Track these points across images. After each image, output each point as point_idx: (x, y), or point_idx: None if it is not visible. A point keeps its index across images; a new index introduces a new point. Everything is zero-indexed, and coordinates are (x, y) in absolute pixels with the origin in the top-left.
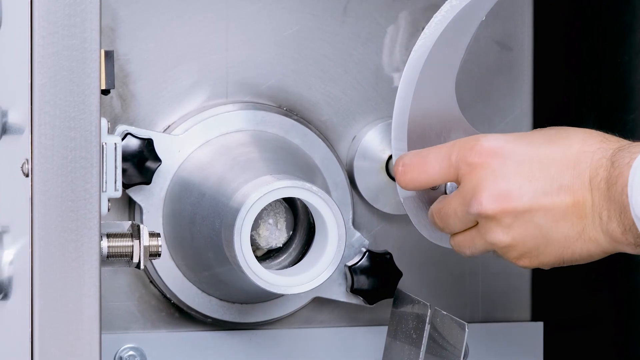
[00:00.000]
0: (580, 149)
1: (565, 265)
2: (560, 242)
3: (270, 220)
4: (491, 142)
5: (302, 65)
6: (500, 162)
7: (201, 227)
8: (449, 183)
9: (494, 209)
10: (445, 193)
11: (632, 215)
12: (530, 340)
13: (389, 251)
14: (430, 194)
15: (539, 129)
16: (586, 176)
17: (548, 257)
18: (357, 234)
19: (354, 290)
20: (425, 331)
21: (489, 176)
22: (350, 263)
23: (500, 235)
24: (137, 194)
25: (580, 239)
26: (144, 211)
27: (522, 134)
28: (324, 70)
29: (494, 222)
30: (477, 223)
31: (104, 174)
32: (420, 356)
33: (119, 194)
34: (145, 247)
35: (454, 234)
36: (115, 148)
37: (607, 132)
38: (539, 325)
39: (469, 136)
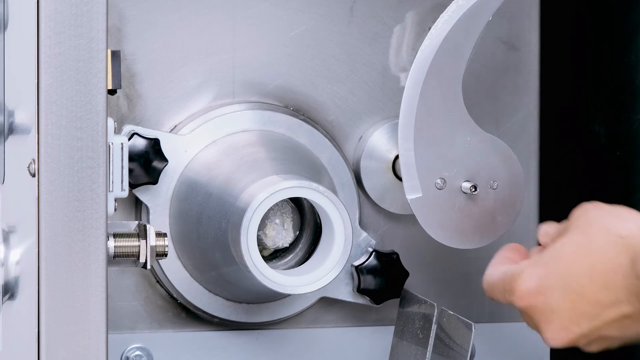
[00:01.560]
0: (606, 264)
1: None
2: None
3: (277, 220)
4: (527, 283)
5: (309, 65)
6: (543, 300)
7: (208, 227)
8: (463, 183)
9: (564, 343)
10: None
11: None
12: (537, 341)
13: (396, 251)
14: (438, 194)
15: (564, 235)
16: (624, 285)
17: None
18: (364, 234)
19: (360, 290)
20: (432, 331)
21: (542, 317)
22: (356, 263)
23: (587, 349)
24: (144, 194)
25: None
26: (151, 211)
27: (550, 257)
28: (330, 70)
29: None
30: None
31: (111, 174)
32: (427, 356)
33: (125, 193)
34: (151, 247)
35: None
36: (122, 148)
37: (614, 132)
38: None
39: (506, 274)
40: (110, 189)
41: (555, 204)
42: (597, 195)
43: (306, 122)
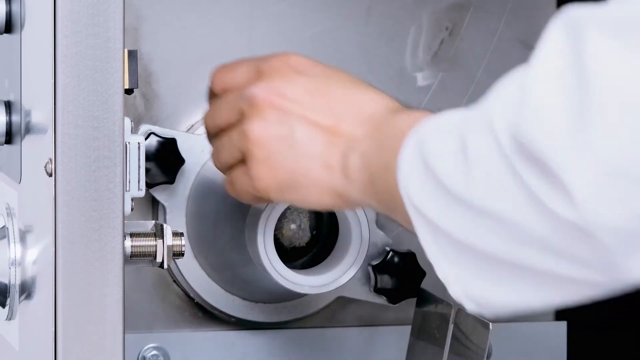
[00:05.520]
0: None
1: (299, 191)
2: (302, 157)
3: (294, 220)
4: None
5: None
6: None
7: (224, 227)
8: None
9: (264, 99)
10: None
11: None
12: (554, 340)
13: (412, 250)
14: None
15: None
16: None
17: (283, 171)
18: (381, 233)
19: (377, 290)
20: (448, 331)
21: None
22: (373, 262)
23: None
24: (161, 194)
25: (323, 166)
26: (168, 211)
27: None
28: (347, 69)
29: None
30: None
31: (128, 174)
32: (444, 356)
33: (142, 193)
34: (168, 246)
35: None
36: (139, 147)
37: None
38: (562, 324)
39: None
40: (127, 189)
41: None
42: None
43: None
